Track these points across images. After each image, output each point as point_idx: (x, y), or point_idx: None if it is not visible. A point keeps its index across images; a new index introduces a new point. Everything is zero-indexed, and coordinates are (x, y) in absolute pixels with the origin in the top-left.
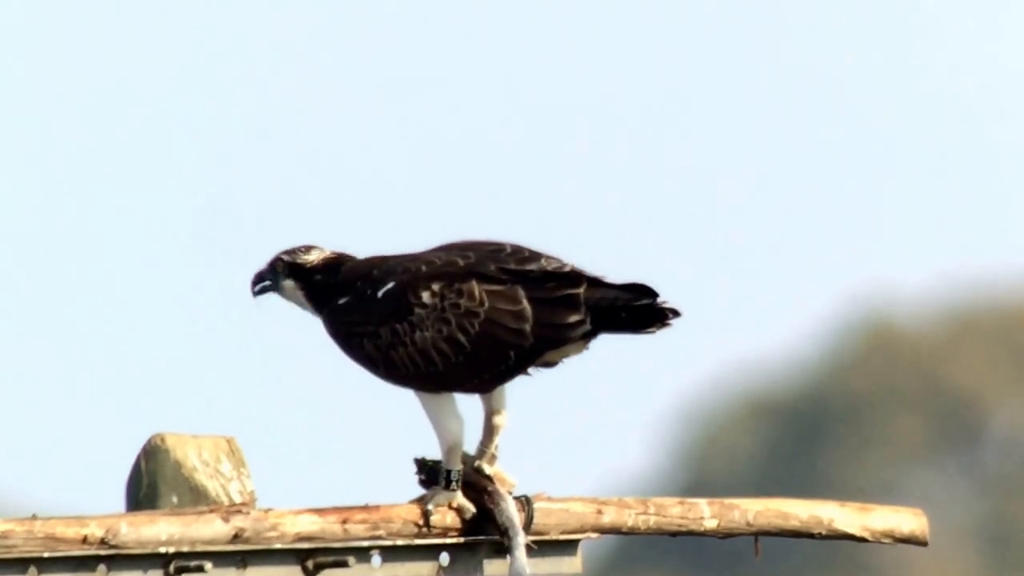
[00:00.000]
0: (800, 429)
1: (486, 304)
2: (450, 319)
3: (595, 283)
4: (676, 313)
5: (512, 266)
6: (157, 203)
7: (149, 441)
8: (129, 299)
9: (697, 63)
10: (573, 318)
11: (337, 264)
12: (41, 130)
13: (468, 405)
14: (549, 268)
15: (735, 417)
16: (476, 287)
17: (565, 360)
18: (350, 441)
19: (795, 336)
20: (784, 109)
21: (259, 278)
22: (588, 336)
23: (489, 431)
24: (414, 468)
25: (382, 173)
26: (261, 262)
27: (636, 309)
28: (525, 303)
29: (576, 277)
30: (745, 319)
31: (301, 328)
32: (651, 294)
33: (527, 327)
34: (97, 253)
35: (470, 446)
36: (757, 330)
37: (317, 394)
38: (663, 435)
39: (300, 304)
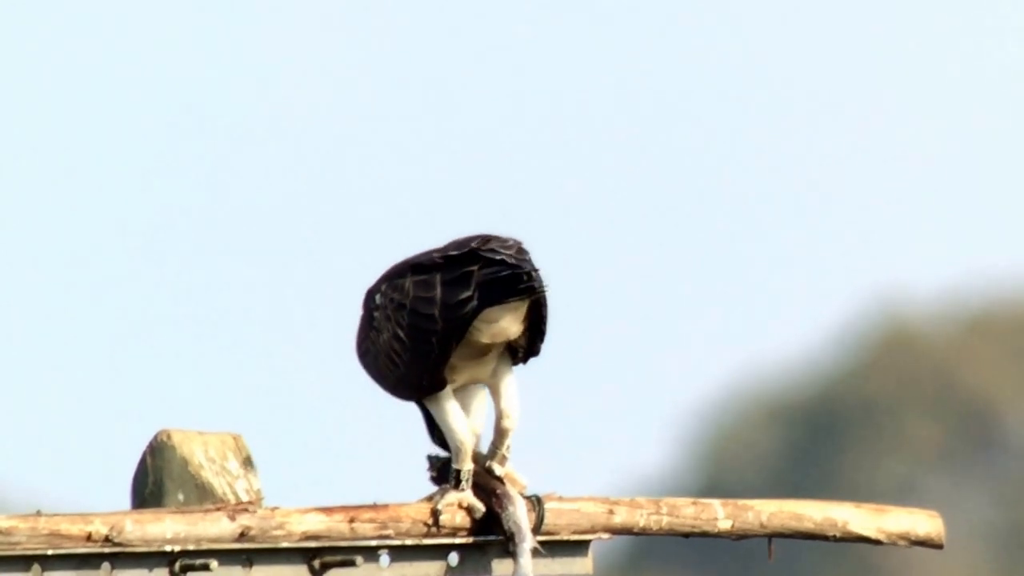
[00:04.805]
0: (816, 431)
1: (411, 295)
2: (391, 316)
3: (490, 261)
4: (530, 276)
5: (452, 251)
6: (164, 199)
7: (155, 438)
8: (136, 295)
9: (715, 58)
10: (463, 295)
11: None
12: (49, 126)
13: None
14: (454, 252)
15: (751, 418)
16: (408, 281)
17: (520, 344)
18: (358, 439)
19: (811, 338)
20: (801, 110)
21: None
22: (477, 311)
23: (499, 432)
24: (426, 464)
25: (379, 175)
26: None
27: (505, 279)
28: (438, 289)
29: (472, 255)
30: (761, 321)
31: (309, 325)
32: (510, 265)
33: (436, 311)
34: (104, 248)
35: (483, 444)
36: (773, 332)
37: (325, 391)
38: (679, 436)
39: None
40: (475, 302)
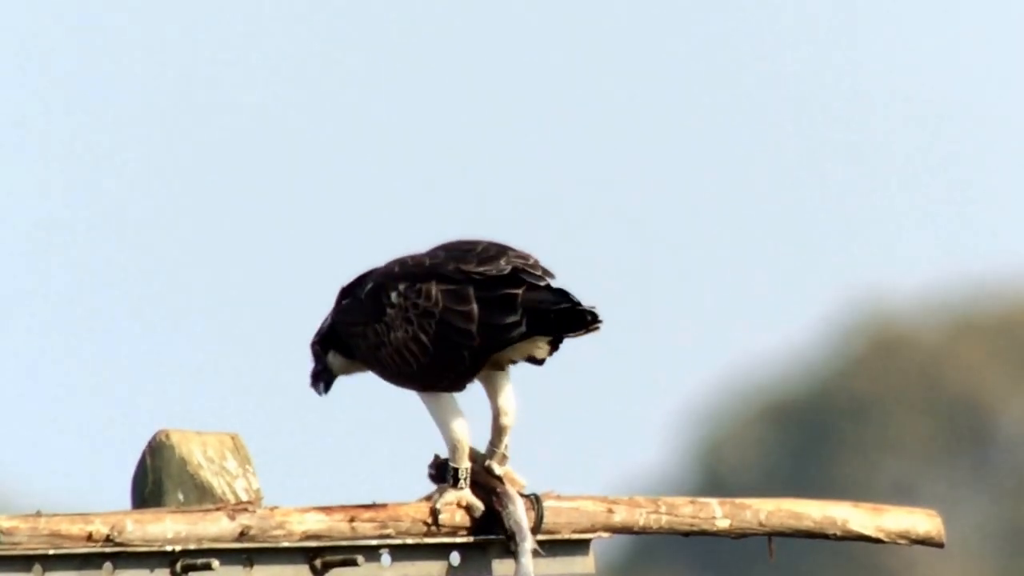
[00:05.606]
0: (813, 430)
1: (440, 304)
2: (412, 319)
3: (534, 286)
4: (595, 316)
5: (473, 266)
6: (163, 199)
7: (154, 438)
8: (134, 295)
9: (699, 61)
10: (510, 319)
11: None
12: (46, 124)
13: (477, 402)
14: (494, 271)
15: (748, 417)
16: (434, 288)
17: (540, 359)
18: (358, 439)
19: (799, 338)
20: (784, 110)
21: (314, 377)
22: (525, 337)
23: (497, 431)
24: (431, 460)
25: (374, 174)
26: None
27: (562, 313)
28: (474, 304)
29: (516, 279)
30: (752, 320)
31: (308, 325)
32: (569, 300)
33: (473, 328)
34: (103, 248)
35: (481, 444)
36: (764, 331)
37: None
38: (676, 435)
39: (356, 368)
40: (523, 328)
